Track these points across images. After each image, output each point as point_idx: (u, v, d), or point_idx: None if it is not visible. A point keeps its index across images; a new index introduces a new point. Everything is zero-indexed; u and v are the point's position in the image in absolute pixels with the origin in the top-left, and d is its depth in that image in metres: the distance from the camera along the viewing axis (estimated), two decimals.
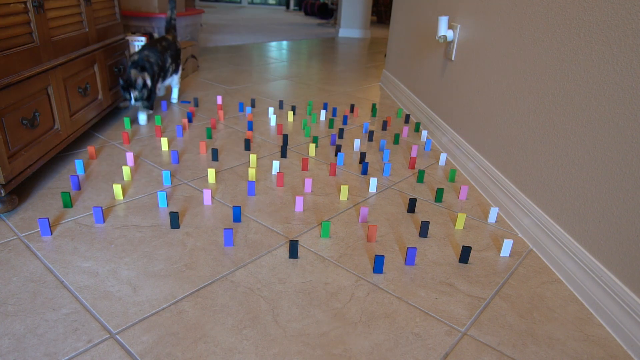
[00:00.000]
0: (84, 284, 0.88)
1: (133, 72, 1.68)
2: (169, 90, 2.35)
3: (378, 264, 0.97)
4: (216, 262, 0.98)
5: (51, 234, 1.04)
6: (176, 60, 2.00)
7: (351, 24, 5.21)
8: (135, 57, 1.74)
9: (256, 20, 6.44)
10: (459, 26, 1.62)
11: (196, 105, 2.07)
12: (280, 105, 2.12)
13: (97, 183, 1.30)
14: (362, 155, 1.54)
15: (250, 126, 1.78)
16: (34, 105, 1.19)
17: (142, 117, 1.80)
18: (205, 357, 0.74)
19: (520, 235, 1.17)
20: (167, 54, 1.91)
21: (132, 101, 1.69)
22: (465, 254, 1.03)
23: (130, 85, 1.68)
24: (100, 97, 1.65)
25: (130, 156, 1.40)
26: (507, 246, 1.06)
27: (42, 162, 1.23)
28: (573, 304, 0.93)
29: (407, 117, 2.02)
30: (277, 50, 3.90)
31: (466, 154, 1.53)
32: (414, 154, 1.62)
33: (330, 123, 1.90)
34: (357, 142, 1.65)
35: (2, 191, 1.06)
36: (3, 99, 1.05)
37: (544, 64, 1.12)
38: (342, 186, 1.28)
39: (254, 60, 3.32)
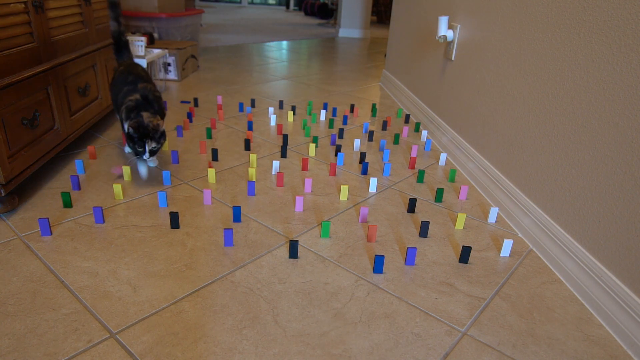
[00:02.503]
0: (84, 284, 0.88)
1: (146, 116, 1.22)
2: (169, 90, 2.34)
3: (378, 264, 0.97)
4: (216, 262, 0.98)
5: (51, 234, 1.04)
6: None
7: (351, 24, 5.21)
8: (136, 97, 1.27)
9: (256, 20, 6.44)
10: (459, 26, 1.62)
11: (196, 105, 2.07)
12: (280, 105, 2.12)
13: (97, 183, 1.30)
14: (362, 155, 1.54)
15: (250, 126, 1.78)
16: (34, 105, 1.19)
17: (148, 167, 1.37)
18: (205, 357, 0.74)
19: (520, 235, 1.17)
20: (147, 76, 1.46)
21: (146, 155, 1.22)
22: (465, 254, 1.03)
23: (146, 134, 1.19)
24: (100, 97, 1.65)
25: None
26: (507, 246, 1.06)
27: (42, 162, 1.23)
28: (573, 304, 0.93)
29: (407, 117, 2.02)
30: (277, 50, 3.90)
31: (466, 154, 1.53)
32: (414, 154, 1.62)
33: (330, 123, 1.90)
34: (357, 142, 1.65)
35: (2, 191, 1.06)
36: (3, 99, 1.05)
37: (544, 64, 1.12)
38: (342, 186, 1.28)
39: (254, 60, 3.32)
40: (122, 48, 1.50)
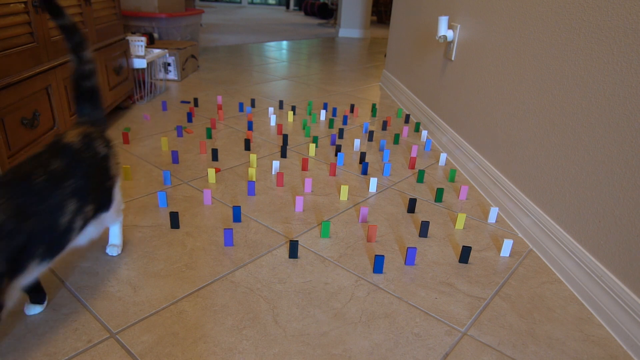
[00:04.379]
0: (84, 284, 0.88)
1: None
2: (169, 90, 2.34)
3: (378, 264, 0.97)
4: (216, 262, 0.98)
5: None
6: (105, 179, 0.84)
7: (351, 24, 5.21)
8: None
9: (256, 20, 6.44)
10: (459, 26, 1.62)
11: (196, 105, 2.07)
12: (280, 105, 2.12)
13: None
14: (362, 155, 1.53)
15: (250, 126, 1.78)
16: (34, 105, 1.19)
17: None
18: (205, 357, 0.74)
19: (520, 235, 1.17)
20: (65, 187, 0.72)
21: None
22: (465, 254, 1.02)
23: None
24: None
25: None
26: (507, 246, 1.06)
27: None
28: (573, 304, 0.93)
29: (407, 117, 2.02)
30: (277, 50, 3.90)
31: (466, 154, 1.53)
32: (414, 154, 1.62)
33: (330, 123, 1.90)
34: (357, 142, 1.65)
35: None
36: (3, 99, 1.05)
37: (544, 64, 1.12)
38: (342, 186, 1.28)
39: (254, 60, 3.32)
40: (85, 97, 0.88)
